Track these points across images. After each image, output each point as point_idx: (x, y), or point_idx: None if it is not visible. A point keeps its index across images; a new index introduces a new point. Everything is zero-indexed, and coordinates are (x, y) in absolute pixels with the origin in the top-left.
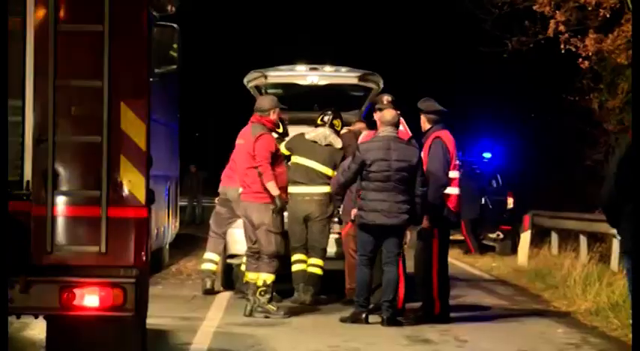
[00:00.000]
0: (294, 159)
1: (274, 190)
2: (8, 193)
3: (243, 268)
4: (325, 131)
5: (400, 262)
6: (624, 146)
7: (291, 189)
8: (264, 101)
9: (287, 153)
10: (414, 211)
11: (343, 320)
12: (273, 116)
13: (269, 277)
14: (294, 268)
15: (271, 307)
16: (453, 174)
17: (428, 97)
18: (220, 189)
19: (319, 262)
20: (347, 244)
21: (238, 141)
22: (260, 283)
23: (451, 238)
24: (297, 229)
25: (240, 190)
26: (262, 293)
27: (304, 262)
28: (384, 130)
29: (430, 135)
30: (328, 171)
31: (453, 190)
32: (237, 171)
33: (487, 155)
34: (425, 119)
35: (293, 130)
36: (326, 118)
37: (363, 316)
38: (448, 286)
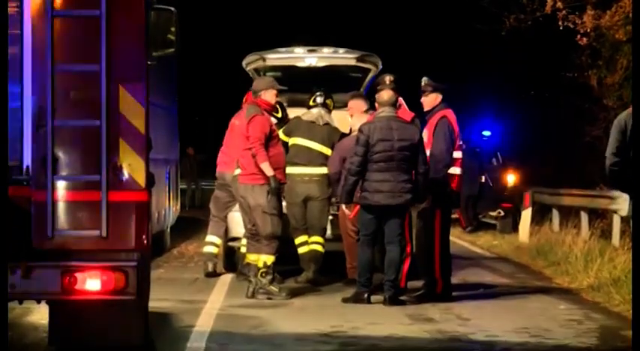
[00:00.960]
0: (294, 140)
1: (269, 171)
2: (9, 179)
3: (243, 250)
4: (320, 111)
5: (408, 240)
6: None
7: (291, 170)
8: (257, 82)
9: (285, 138)
10: (417, 189)
11: (345, 300)
12: (265, 96)
13: (269, 259)
14: (301, 250)
15: (273, 288)
16: (457, 154)
17: (431, 76)
18: (217, 174)
19: (320, 239)
20: (344, 223)
21: (233, 121)
22: (261, 264)
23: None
24: (297, 210)
25: (237, 172)
26: (263, 275)
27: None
28: (383, 111)
29: (436, 113)
30: (328, 151)
31: (455, 170)
32: (229, 154)
33: (486, 133)
34: (438, 98)
35: (292, 112)
36: (319, 99)
37: (365, 295)
38: (450, 264)
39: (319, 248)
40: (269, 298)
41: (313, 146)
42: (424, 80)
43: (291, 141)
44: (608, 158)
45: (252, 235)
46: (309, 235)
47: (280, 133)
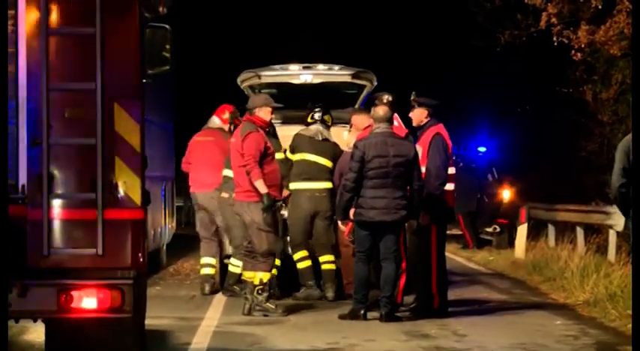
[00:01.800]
0: (301, 156)
1: (262, 188)
2: (7, 198)
3: (231, 268)
4: (319, 127)
5: (403, 256)
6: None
7: (298, 185)
8: (252, 99)
9: (291, 156)
10: (412, 206)
11: (342, 317)
12: (260, 114)
13: (265, 276)
14: (300, 265)
15: (269, 305)
16: (450, 170)
17: (418, 91)
18: (191, 195)
19: (331, 257)
20: (342, 239)
21: (204, 138)
22: (257, 281)
23: (448, 232)
24: (302, 225)
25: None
26: (260, 292)
27: (309, 258)
28: (379, 127)
29: (428, 129)
30: (330, 165)
31: (449, 186)
32: (197, 172)
33: (482, 149)
34: (423, 113)
35: (288, 129)
36: (317, 115)
37: (362, 312)
38: (446, 280)
39: (332, 266)
40: (265, 315)
41: (320, 161)
42: (412, 95)
43: (297, 157)
44: (616, 180)
45: (249, 252)
46: (318, 255)
47: (287, 150)
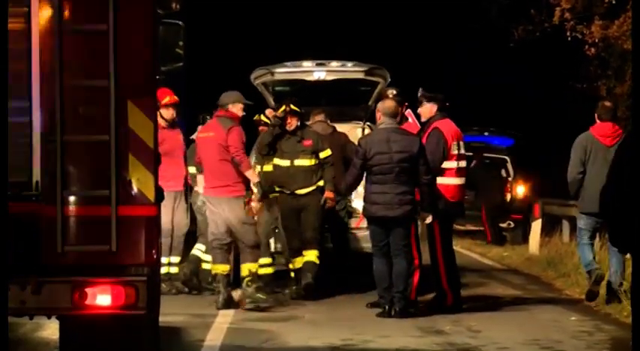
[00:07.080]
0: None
1: (254, 178)
2: (17, 194)
3: (204, 265)
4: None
5: (415, 252)
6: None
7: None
8: (224, 96)
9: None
10: (422, 200)
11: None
12: (233, 109)
13: (253, 266)
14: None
15: (260, 296)
16: (450, 164)
17: (424, 87)
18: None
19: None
20: None
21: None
22: (245, 273)
23: (462, 228)
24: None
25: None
26: (249, 283)
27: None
28: (383, 122)
29: (432, 124)
30: None
31: (450, 181)
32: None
33: (498, 144)
34: (431, 108)
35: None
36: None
37: (385, 305)
38: (458, 276)
39: None
40: (257, 307)
41: None
42: (419, 91)
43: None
44: (576, 167)
45: (222, 245)
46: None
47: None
